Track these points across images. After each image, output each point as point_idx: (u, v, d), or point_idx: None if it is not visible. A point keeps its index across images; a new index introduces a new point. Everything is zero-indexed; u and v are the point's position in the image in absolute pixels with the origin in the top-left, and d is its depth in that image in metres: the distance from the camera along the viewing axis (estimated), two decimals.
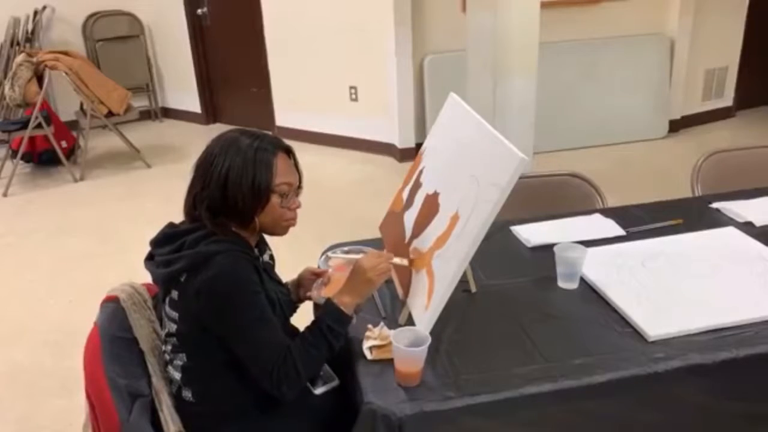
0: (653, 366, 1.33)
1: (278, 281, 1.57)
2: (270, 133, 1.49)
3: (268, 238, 1.56)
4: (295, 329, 1.54)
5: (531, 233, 1.88)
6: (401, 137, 4.79)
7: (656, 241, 1.81)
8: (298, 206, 1.47)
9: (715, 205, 2.02)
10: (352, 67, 4.86)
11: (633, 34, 4.91)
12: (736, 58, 5.30)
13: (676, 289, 1.57)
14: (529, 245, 1.84)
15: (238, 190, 1.37)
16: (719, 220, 1.93)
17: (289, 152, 1.46)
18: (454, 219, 1.41)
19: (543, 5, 3.19)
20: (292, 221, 1.47)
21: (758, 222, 1.88)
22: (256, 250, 1.49)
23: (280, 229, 1.46)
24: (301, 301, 1.64)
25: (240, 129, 1.46)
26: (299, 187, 1.47)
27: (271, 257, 1.59)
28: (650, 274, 1.64)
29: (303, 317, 1.55)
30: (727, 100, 5.45)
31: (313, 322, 1.41)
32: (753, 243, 1.77)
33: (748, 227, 1.87)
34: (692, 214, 1.96)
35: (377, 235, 1.84)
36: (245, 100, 5.58)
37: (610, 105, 4.95)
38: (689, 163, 2.42)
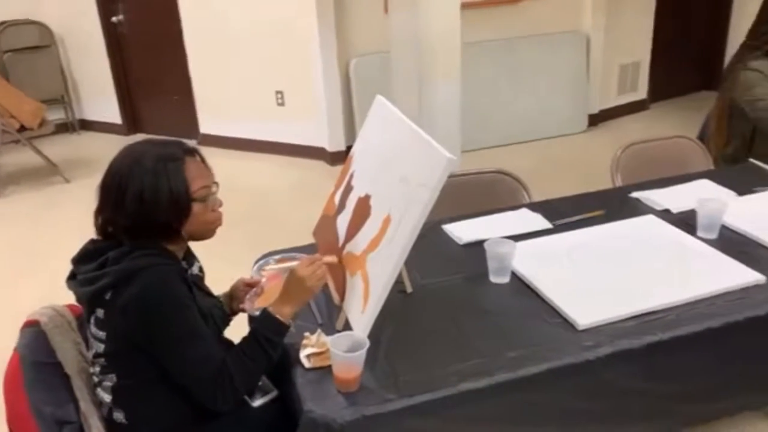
0: (584, 354, 1.37)
1: (209, 294, 1.53)
2: (172, 138, 1.42)
3: (196, 249, 1.52)
4: (230, 342, 1.51)
5: (462, 231, 1.91)
6: (331, 140, 4.77)
7: (581, 232, 1.87)
8: (221, 204, 1.43)
9: (634, 194, 2.10)
10: (278, 71, 4.81)
11: (551, 33, 5.07)
12: (648, 53, 5.56)
13: (602, 278, 1.63)
14: (461, 243, 1.86)
15: (157, 209, 1.31)
16: (639, 209, 2.01)
17: (195, 153, 1.41)
18: (387, 221, 1.42)
19: (463, 6, 3.24)
20: (218, 222, 1.43)
21: (675, 209, 1.97)
22: (184, 263, 1.45)
23: (208, 234, 1.43)
24: (235, 313, 1.61)
25: (140, 141, 1.40)
26: (215, 183, 1.43)
27: (201, 269, 1.55)
28: (577, 265, 1.70)
29: (237, 330, 1.52)
30: (641, 93, 5.70)
31: (250, 333, 1.38)
32: (671, 229, 1.85)
33: (666, 214, 1.96)
34: (613, 205, 2.04)
35: (311, 240, 1.82)
36: (167, 109, 5.42)
37: (532, 102, 5.09)
38: (609, 156, 2.51)
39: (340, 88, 4.67)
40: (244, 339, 1.38)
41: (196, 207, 1.36)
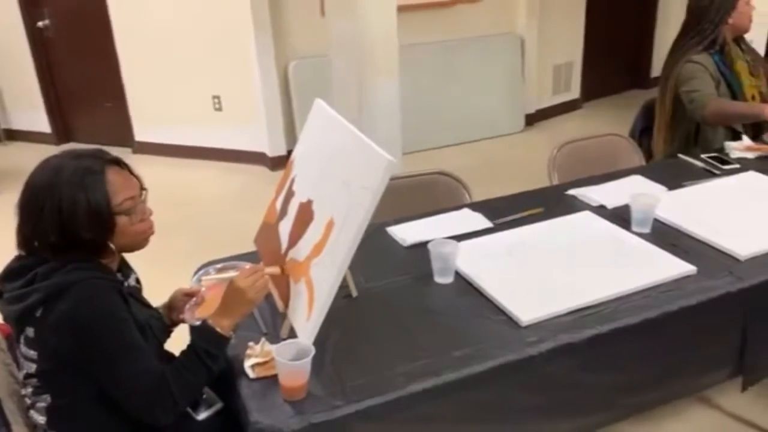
0: (527, 350, 1.39)
1: (147, 305, 1.48)
2: (93, 148, 1.36)
3: (134, 259, 1.47)
4: (171, 355, 1.47)
5: (406, 233, 1.91)
6: (271, 145, 4.72)
7: (521, 230, 1.90)
8: (151, 213, 1.39)
9: (570, 192, 2.16)
10: (214, 76, 4.72)
11: (487, 35, 5.16)
12: (580, 54, 5.73)
13: (543, 274, 1.66)
14: (405, 245, 1.87)
15: (78, 225, 1.25)
16: (575, 206, 2.06)
17: (118, 163, 1.35)
18: (330, 226, 1.40)
19: (400, 8, 3.26)
20: (149, 231, 1.38)
21: (610, 205, 2.03)
22: (119, 275, 1.39)
23: (139, 244, 1.38)
24: (175, 324, 1.56)
25: (59, 154, 1.33)
26: (143, 189, 1.38)
27: (137, 280, 1.50)
28: (518, 262, 1.73)
29: (182, 340, 1.48)
30: (575, 93, 5.88)
31: (189, 347, 1.34)
32: (606, 224, 1.91)
33: (601, 210, 2.01)
34: (551, 202, 2.09)
35: (253, 248, 1.79)
36: (100, 116, 5.23)
37: (471, 103, 5.17)
38: (545, 154, 2.57)
39: (279, 92, 4.62)
40: (183, 352, 1.34)
41: (122, 220, 1.30)
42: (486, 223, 1.96)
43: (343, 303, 1.56)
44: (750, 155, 2.37)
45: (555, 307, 1.51)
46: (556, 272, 1.67)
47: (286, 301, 1.48)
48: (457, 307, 1.57)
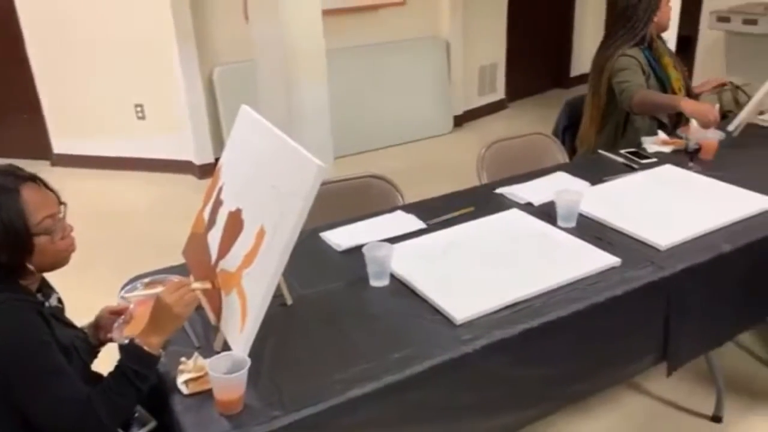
0: (463, 348, 1.41)
1: (71, 326, 1.41)
2: (6, 163, 1.30)
3: (56, 277, 1.40)
4: (98, 375, 1.40)
5: (340, 237, 1.91)
6: (198, 153, 4.61)
7: (453, 229, 1.93)
8: (71, 229, 1.33)
9: (499, 190, 2.20)
10: (136, 83, 4.57)
11: (413, 38, 5.22)
12: (503, 56, 5.88)
13: (476, 272, 1.69)
14: (339, 249, 1.86)
15: None
16: (504, 204, 2.11)
17: (33, 180, 1.29)
18: (260, 234, 1.38)
19: (325, 13, 3.25)
20: (70, 248, 1.33)
21: (537, 202, 2.09)
22: (39, 295, 1.33)
23: (60, 263, 1.32)
24: (102, 344, 1.50)
25: None
26: (61, 203, 1.32)
27: (60, 300, 1.43)
28: (451, 262, 1.75)
29: (109, 359, 1.41)
30: (500, 93, 6.02)
31: (116, 367, 1.29)
32: (534, 221, 1.96)
33: (528, 207, 2.07)
34: (481, 201, 2.12)
35: (182, 260, 1.74)
36: (14, 129, 4.96)
37: (399, 106, 5.21)
38: (474, 154, 2.61)
39: (205, 98, 4.52)
40: (111, 373, 1.29)
41: (41, 240, 1.24)
42: (419, 224, 1.98)
43: (278, 311, 1.53)
44: (666, 149, 2.48)
45: (488, 305, 1.53)
46: (488, 270, 1.70)
47: (218, 313, 1.44)
48: (394, 309, 1.57)
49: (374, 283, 1.66)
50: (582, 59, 6.47)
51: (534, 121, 5.22)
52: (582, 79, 3.36)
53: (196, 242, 1.66)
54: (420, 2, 5.16)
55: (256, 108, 1.68)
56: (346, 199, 2.28)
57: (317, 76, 3.19)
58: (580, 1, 6.45)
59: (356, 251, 1.74)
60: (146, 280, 1.64)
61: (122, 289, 1.63)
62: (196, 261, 1.64)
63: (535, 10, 6.11)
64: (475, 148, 2.66)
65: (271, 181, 1.41)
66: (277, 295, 1.48)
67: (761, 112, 2.74)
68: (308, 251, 1.84)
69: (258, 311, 1.31)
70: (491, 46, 5.76)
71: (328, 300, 1.62)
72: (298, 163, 1.32)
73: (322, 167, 1.25)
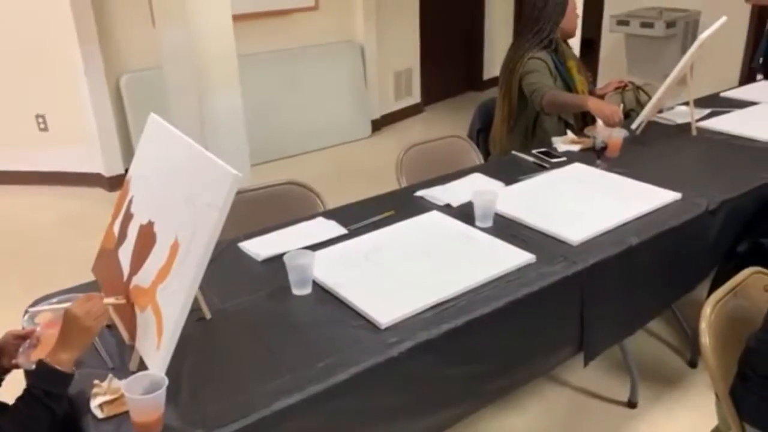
0: (388, 351, 1.41)
1: None
2: None
3: None
4: (4, 405, 1.31)
5: (259, 247, 1.87)
6: (107, 165, 4.41)
7: (375, 234, 1.93)
8: None
9: (418, 193, 2.23)
10: (37, 93, 4.33)
11: (327, 43, 5.20)
12: (417, 60, 5.96)
13: (399, 275, 1.70)
14: (259, 259, 1.82)
15: None
16: (424, 206, 2.13)
17: None
18: (175, 247, 1.33)
19: (237, 18, 3.19)
20: None
21: (455, 203, 2.12)
22: None
23: None
24: (7, 371, 1.40)
25: None
26: None
27: None
28: (374, 266, 1.75)
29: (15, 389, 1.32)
30: (416, 97, 6.10)
31: (26, 390, 1.21)
32: (453, 222, 1.99)
33: (447, 209, 2.10)
34: (401, 204, 2.14)
35: (92, 278, 1.66)
36: None
37: (317, 111, 5.18)
38: (393, 158, 2.63)
39: (112, 108, 4.34)
40: (20, 398, 1.21)
41: None
42: (340, 230, 1.97)
43: (196, 327, 1.48)
44: (574, 148, 2.58)
45: (412, 306, 1.54)
46: (411, 272, 1.71)
47: (132, 331, 1.38)
48: (317, 317, 1.56)
49: (297, 291, 1.64)
50: (493, 63, 6.66)
51: (450, 124, 5.33)
52: (494, 82, 3.45)
53: (107, 258, 1.59)
54: (333, 7, 5.16)
55: (166, 116, 1.62)
56: (265, 207, 2.24)
57: (230, 83, 3.12)
58: (489, 7, 6.64)
59: (277, 260, 1.71)
60: (54, 300, 1.55)
61: (27, 311, 1.53)
62: (107, 278, 1.57)
63: (446, 16, 6.24)
64: (394, 152, 2.67)
65: (183, 191, 1.36)
66: (195, 310, 1.43)
67: (661, 111, 2.91)
68: (227, 263, 1.79)
69: (175, 327, 1.26)
70: (405, 51, 5.83)
71: (249, 312, 1.58)
72: (212, 173, 1.28)
73: (237, 176, 1.22)
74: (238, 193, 1.26)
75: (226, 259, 1.81)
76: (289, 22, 4.94)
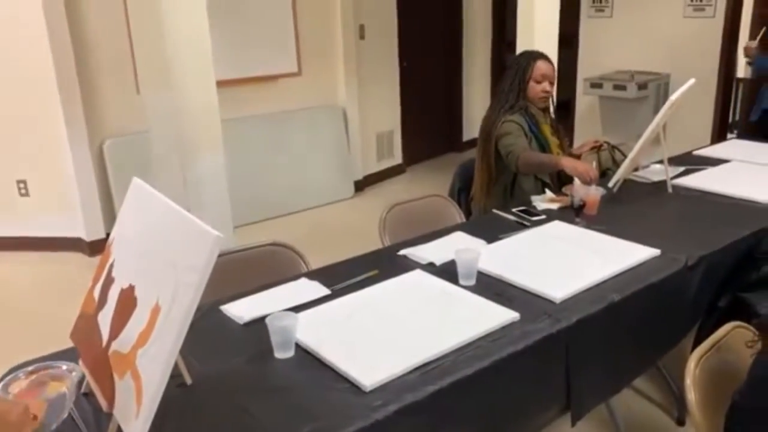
0: (373, 415, 1.38)
1: None
2: None
3: None
4: None
5: (241, 309, 1.85)
6: (88, 230, 4.39)
7: (358, 294, 1.92)
8: None
9: (402, 252, 2.23)
10: (18, 158, 4.34)
11: (310, 107, 5.31)
12: (398, 123, 6.09)
13: (383, 336, 1.68)
14: (241, 322, 1.80)
15: None
16: (407, 265, 2.13)
17: None
18: (155, 311, 1.31)
19: (222, 83, 3.26)
20: None
21: (438, 261, 2.13)
22: None
23: None
24: None
25: None
26: None
27: None
28: (357, 327, 1.73)
29: None
30: (397, 158, 6.21)
31: None
32: (437, 281, 1.99)
33: (430, 267, 2.10)
34: (385, 264, 2.14)
35: (70, 344, 1.62)
36: None
37: (301, 173, 5.24)
38: (376, 218, 2.65)
39: (94, 172, 4.35)
40: None
41: None
42: (324, 291, 1.96)
43: (176, 392, 1.45)
44: (553, 206, 2.63)
45: (397, 368, 1.52)
46: (395, 332, 1.70)
47: (110, 399, 1.34)
48: (300, 381, 1.53)
49: (279, 354, 1.62)
50: (472, 125, 6.81)
51: (431, 184, 5.39)
52: (473, 143, 3.54)
53: (86, 323, 1.56)
54: (316, 72, 5.29)
55: (149, 180, 1.63)
56: (248, 269, 2.23)
57: (214, 147, 3.16)
58: (467, 72, 6.85)
59: (259, 323, 1.70)
60: (30, 368, 1.51)
61: (2, 380, 1.49)
62: (86, 344, 1.54)
63: (425, 80, 6.42)
64: (377, 212, 2.69)
65: (165, 254, 1.36)
66: (175, 375, 1.40)
67: (636, 169, 2.98)
68: (208, 326, 1.77)
69: (155, 393, 1.23)
70: (387, 113, 5.97)
71: (231, 376, 1.56)
72: (194, 235, 1.28)
73: (219, 237, 1.22)
74: (221, 255, 1.26)
75: (207, 322, 1.79)
76: (273, 87, 5.05)
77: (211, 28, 3.07)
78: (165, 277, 1.32)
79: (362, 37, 5.56)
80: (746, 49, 4.46)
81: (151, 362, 1.27)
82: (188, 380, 1.50)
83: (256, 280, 2.07)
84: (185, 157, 3.06)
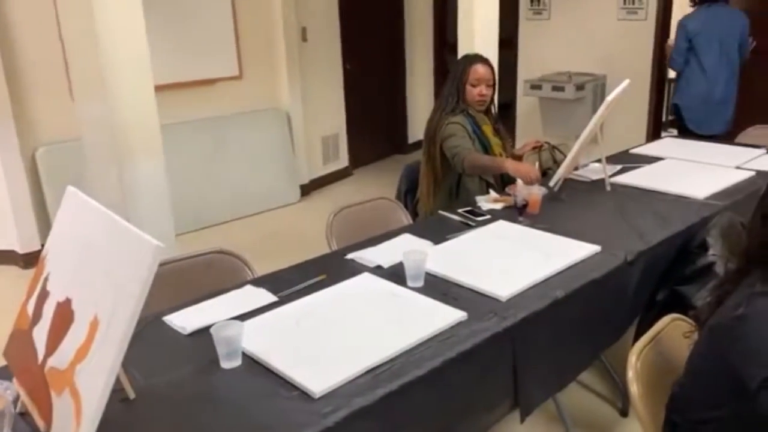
0: (323, 422, 1.37)
1: None
2: None
3: None
4: None
5: (185, 319, 1.80)
6: (22, 241, 4.21)
7: (306, 299, 1.90)
8: None
9: (349, 256, 2.22)
10: None
11: (254, 110, 5.24)
12: (343, 126, 6.08)
13: (332, 342, 1.67)
14: (185, 332, 1.75)
15: None
16: (355, 269, 2.12)
17: None
18: (94, 325, 1.26)
19: (160, 87, 3.17)
20: None
21: (386, 264, 2.13)
22: None
23: None
24: None
25: None
26: None
27: None
28: (306, 333, 1.71)
29: None
30: (344, 161, 6.19)
31: None
32: (385, 283, 1.99)
33: (378, 270, 2.10)
34: (333, 268, 2.12)
35: (3, 362, 1.55)
36: None
37: (245, 178, 5.16)
38: (323, 222, 2.63)
39: (27, 182, 4.17)
40: None
41: None
42: (271, 298, 1.93)
43: (119, 408, 1.40)
44: (497, 206, 2.67)
45: (346, 373, 1.51)
46: (344, 337, 1.69)
47: (48, 419, 1.28)
48: (248, 390, 1.50)
49: (225, 364, 1.58)
50: (417, 126, 6.87)
51: (377, 187, 5.40)
52: (419, 145, 3.57)
53: (20, 340, 1.49)
54: (257, 75, 5.22)
55: (86, 189, 1.57)
56: (191, 278, 2.17)
57: (153, 154, 3.07)
58: (411, 73, 6.89)
59: (204, 333, 1.66)
60: None
61: None
62: (21, 361, 1.47)
63: (369, 81, 6.44)
64: (324, 216, 2.68)
65: (103, 265, 1.31)
66: (117, 390, 1.35)
67: (576, 168, 3.06)
68: (151, 338, 1.72)
69: (95, 410, 1.18)
70: (331, 116, 5.95)
71: (176, 389, 1.51)
72: (133, 245, 1.24)
73: (160, 246, 1.19)
74: (162, 264, 1.23)
75: (150, 334, 1.73)
76: (214, 91, 4.96)
77: (148, 30, 2.98)
78: (103, 289, 1.27)
79: (305, 39, 5.52)
80: (667, 48, 4.66)
81: (91, 378, 1.22)
82: (131, 394, 1.45)
83: (199, 289, 2.03)
84: (123, 165, 2.96)
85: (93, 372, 1.22)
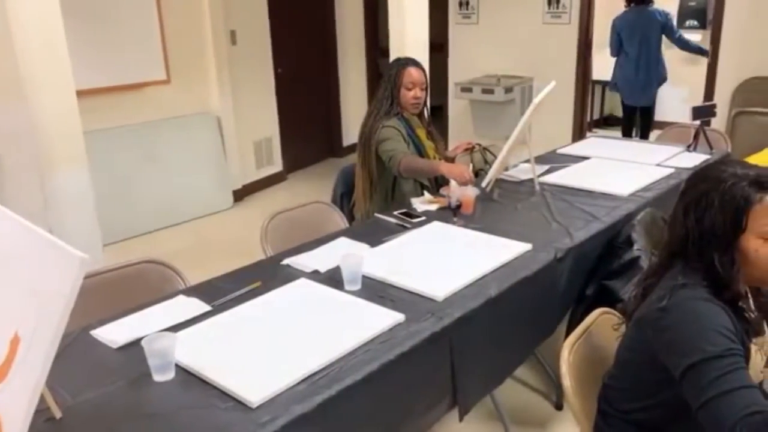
0: (262, 431, 1.35)
1: None
2: None
3: None
4: None
5: (115, 333, 1.74)
6: None
7: (242, 307, 1.87)
8: None
9: (285, 261, 2.20)
10: None
11: (183, 115, 5.11)
12: (276, 129, 6.01)
13: (268, 350, 1.64)
14: (115, 346, 1.69)
15: None
16: (292, 275, 2.10)
17: None
18: (15, 342, 1.20)
19: (83, 93, 3.06)
20: None
21: (323, 268, 2.12)
22: None
23: None
24: None
25: None
26: None
27: None
28: (241, 342, 1.68)
29: None
30: (278, 165, 6.12)
31: None
32: (322, 288, 1.98)
33: (315, 275, 2.09)
34: (268, 274, 2.09)
35: None
36: None
37: (175, 184, 5.02)
38: (257, 227, 2.59)
39: None
40: None
41: None
42: (204, 307, 1.88)
43: (44, 428, 1.33)
44: (432, 207, 2.70)
45: (284, 381, 1.49)
46: (280, 344, 1.67)
47: None
48: (183, 403, 1.46)
49: (158, 377, 1.53)
50: (351, 129, 6.86)
51: (312, 191, 5.37)
52: (353, 148, 3.57)
53: None
54: (186, 80, 5.10)
55: (2, 200, 1.49)
56: (120, 289, 2.09)
57: (77, 162, 2.95)
58: (344, 76, 6.89)
59: (135, 346, 1.60)
60: None
61: None
62: None
63: (302, 85, 6.39)
64: (258, 221, 2.64)
65: (23, 280, 1.25)
66: (42, 410, 1.29)
67: (506, 169, 3.13)
68: (78, 354, 1.65)
69: None
70: (264, 120, 5.87)
71: (106, 405, 1.45)
72: (55, 257, 1.19)
73: (84, 258, 1.14)
74: (88, 276, 1.18)
75: (77, 349, 1.66)
76: (140, 96, 4.81)
77: (68, 31, 2.86)
78: (24, 304, 1.21)
79: (234, 42, 5.43)
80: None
81: (13, 398, 1.16)
82: (57, 414, 1.38)
83: (129, 300, 1.96)
84: (44, 174, 2.83)
85: (15, 392, 1.16)
